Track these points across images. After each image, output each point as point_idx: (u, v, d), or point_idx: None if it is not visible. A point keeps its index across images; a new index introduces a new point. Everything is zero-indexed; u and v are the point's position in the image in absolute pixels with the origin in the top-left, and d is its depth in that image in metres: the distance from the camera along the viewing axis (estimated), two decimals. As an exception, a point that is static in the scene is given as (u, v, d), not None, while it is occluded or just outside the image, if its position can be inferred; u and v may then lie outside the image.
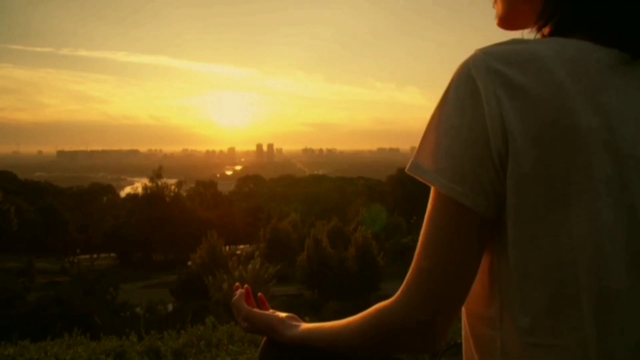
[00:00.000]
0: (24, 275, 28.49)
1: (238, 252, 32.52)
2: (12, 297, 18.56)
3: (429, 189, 0.60)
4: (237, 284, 0.89)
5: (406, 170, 0.61)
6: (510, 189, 0.55)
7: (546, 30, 0.64)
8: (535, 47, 0.58)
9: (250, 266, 19.40)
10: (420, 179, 0.59)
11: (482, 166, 0.56)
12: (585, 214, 0.54)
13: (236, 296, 0.86)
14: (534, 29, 0.66)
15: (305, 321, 0.80)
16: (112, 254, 41.16)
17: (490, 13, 0.72)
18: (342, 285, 24.18)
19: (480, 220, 0.57)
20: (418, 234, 0.60)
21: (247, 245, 39.66)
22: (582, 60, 0.56)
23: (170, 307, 21.62)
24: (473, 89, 0.56)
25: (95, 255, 40.00)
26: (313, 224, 30.71)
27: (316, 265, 25.19)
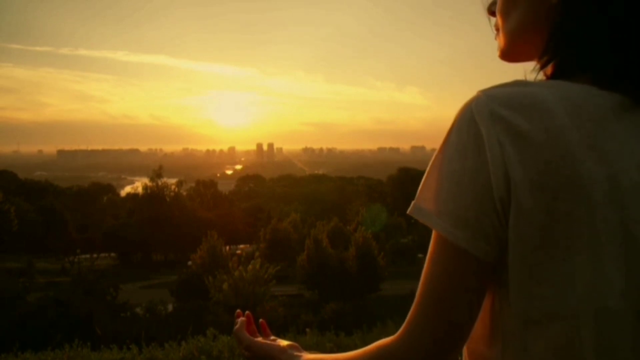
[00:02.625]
0: (24, 275, 28.52)
1: (238, 252, 32.55)
2: (12, 297, 18.56)
3: None
4: (238, 310, 0.88)
5: (408, 212, 0.61)
6: (512, 236, 0.55)
7: (548, 69, 0.63)
8: (539, 91, 0.57)
9: (250, 266, 19.43)
10: (422, 222, 0.59)
11: (484, 212, 0.56)
12: (587, 266, 0.54)
13: (237, 325, 0.85)
14: (537, 65, 0.65)
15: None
16: (112, 254, 41.19)
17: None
18: (342, 286, 24.20)
19: (482, 264, 0.57)
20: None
21: (247, 245, 39.69)
22: (585, 107, 0.56)
23: (170, 307, 21.62)
24: (476, 134, 0.56)
25: (95, 255, 40.03)
26: (313, 224, 30.73)
27: (316, 266, 25.19)
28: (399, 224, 37.17)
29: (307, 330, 4.38)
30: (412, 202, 0.61)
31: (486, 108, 0.56)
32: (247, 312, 0.87)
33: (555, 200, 0.53)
